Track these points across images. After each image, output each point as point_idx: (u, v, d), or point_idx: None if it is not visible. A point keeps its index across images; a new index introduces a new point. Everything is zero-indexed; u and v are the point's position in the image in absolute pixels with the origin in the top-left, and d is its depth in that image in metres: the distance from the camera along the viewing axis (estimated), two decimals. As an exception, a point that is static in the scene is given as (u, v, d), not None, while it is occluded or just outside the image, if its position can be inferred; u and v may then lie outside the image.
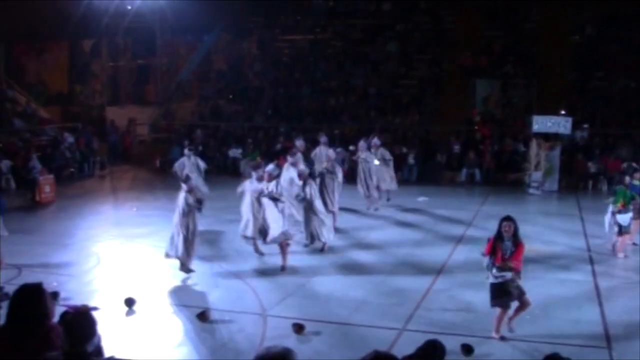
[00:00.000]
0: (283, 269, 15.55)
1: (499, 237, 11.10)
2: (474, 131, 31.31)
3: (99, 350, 5.85)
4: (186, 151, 21.80)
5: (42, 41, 36.64)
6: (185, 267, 15.12)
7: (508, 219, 11.14)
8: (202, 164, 21.61)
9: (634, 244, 17.49)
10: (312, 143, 24.96)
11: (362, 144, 22.22)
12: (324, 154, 21.78)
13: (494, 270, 11.05)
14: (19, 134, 31.51)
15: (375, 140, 22.69)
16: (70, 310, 5.27)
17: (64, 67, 39.41)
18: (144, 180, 29.30)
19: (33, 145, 30.01)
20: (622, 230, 16.72)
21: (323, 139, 23.37)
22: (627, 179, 17.24)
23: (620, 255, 16.82)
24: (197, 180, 19.59)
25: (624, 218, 16.65)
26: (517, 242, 11.01)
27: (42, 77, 38.43)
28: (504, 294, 11.12)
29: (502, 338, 11.26)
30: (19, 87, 36.51)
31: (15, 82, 36.35)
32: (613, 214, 16.91)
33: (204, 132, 34.22)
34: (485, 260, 11.32)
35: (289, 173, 18.52)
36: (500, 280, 11.04)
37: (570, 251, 17.30)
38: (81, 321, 5.10)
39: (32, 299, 5.64)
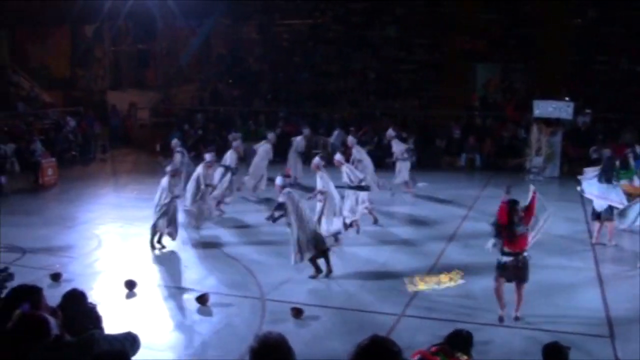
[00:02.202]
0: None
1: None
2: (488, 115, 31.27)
3: (96, 323, 5.87)
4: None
5: (45, 26, 36.59)
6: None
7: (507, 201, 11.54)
8: None
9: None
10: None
11: (390, 131, 22.97)
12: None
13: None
14: (22, 117, 31.85)
15: (390, 132, 22.78)
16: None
17: (66, 52, 39.32)
18: (145, 164, 29.22)
19: (36, 128, 30.33)
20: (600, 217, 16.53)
21: (306, 131, 25.09)
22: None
23: (593, 239, 16.73)
24: None
25: (600, 204, 16.49)
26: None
27: (45, 62, 38.39)
28: (501, 269, 11.36)
29: (501, 319, 11.31)
30: (23, 71, 36.53)
31: (19, 66, 36.38)
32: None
33: (203, 116, 34.22)
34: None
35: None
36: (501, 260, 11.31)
37: (571, 237, 17.23)
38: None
39: None
